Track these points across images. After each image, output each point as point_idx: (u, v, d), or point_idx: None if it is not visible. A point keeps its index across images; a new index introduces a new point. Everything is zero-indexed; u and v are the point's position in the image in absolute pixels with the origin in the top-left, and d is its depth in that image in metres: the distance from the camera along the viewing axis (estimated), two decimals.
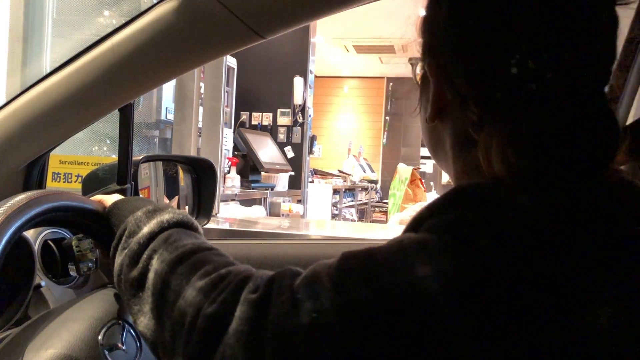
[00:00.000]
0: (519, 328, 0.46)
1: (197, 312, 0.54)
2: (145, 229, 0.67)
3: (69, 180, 1.94)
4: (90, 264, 0.99)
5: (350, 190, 7.14)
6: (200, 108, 2.87)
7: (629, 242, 0.51)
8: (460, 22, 0.58)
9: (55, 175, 1.93)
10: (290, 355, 0.48)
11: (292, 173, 5.02)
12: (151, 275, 0.61)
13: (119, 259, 0.67)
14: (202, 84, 2.90)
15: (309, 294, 0.50)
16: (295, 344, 0.48)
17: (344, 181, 6.95)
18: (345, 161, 8.31)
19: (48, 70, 0.95)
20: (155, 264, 0.62)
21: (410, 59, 0.72)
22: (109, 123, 1.04)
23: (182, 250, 0.62)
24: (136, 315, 0.62)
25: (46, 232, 1.01)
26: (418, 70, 0.67)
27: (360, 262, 0.51)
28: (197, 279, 0.57)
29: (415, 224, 0.54)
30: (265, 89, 5.44)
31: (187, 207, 1.30)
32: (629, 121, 0.96)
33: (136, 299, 0.63)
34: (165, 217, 0.69)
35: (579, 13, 0.54)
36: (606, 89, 0.57)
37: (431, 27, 0.62)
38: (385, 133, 9.95)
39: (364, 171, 8.30)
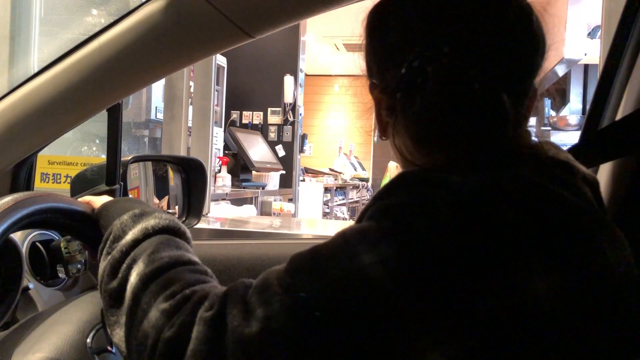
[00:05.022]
0: (460, 301, 0.48)
1: (157, 335, 0.54)
2: (129, 236, 0.67)
3: (58, 180, 1.92)
4: (79, 266, 0.98)
5: (342, 189, 7.13)
6: (190, 107, 2.86)
7: (558, 214, 0.53)
8: (373, 46, 0.67)
9: (44, 176, 1.92)
10: None
11: (283, 172, 5.01)
12: (128, 288, 0.61)
13: (102, 265, 0.67)
14: (191, 83, 2.88)
15: (260, 301, 0.51)
16: (251, 353, 0.49)
17: (335, 179, 6.94)
18: (336, 159, 8.30)
19: (35, 70, 0.94)
20: (132, 276, 0.62)
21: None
22: (99, 123, 1.03)
23: (158, 264, 0.61)
24: (113, 326, 0.62)
25: (34, 234, 1.00)
26: None
27: (307, 260, 0.53)
28: (163, 300, 0.57)
29: (362, 214, 0.55)
30: (255, 88, 5.42)
31: (177, 207, 1.29)
32: (619, 116, 0.96)
33: (114, 309, 0.62)
34: (151, 222, 0.68)
35: (456, 14, 0.60)
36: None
37: (364, 54, 0.70)
38: (376, 131, 9.93)
39: (355, 169, 8.30)
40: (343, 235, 0.53)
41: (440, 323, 0.47)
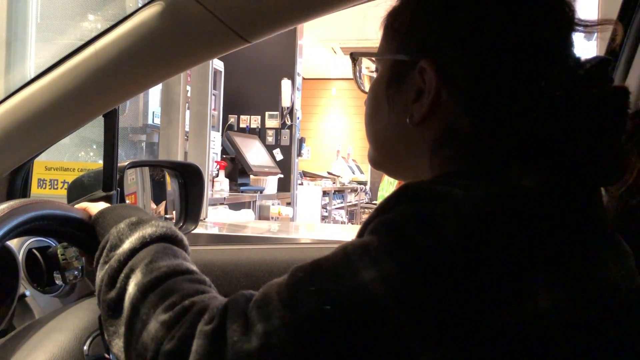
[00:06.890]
0: (462, 319, 0.47)
1: (157, 348, 0.53)
2: (126, 245, 0.66)
3: (55, 186, 1.92)
4: (76, 273, 0.97)
5: (340, 192, 7.14)
6: (188, 112, 2.85)
7: (562, 228, 0.52)
8: (482, 22, 0.58)
9: (41, 182, 1.91)
10: None
11: (281, 175, 5.01)
12: (126, 298, 0.61)
13: (100, 274, 0.66)
14: (188, 88, 2.88)
15: (260, 316, 0.50)
16: None
17: (333, 183, 6.95)
18: (334, 163, 8.31)
19: (32, 76, 0.94)
20: (130, 286, 0.61)
21: (353, 54, 0.73)
22: (96, 128, 1.02)
23: (156, 274, 0.61)
24: (112, 336, 0.62)
25: (31, 241, 1.00)
26: (367, 67, 0.69)
27: (308, 274, 0.52)
28: (162, 311, 0.56)
29: (364, 227, 0.54)
30: (253, 92, 5.43)
31: (174, 213, 1.29)
32: None
33: (112, 320, 0.62)
34: (148, 230, 0.68)
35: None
36: None
37: (426, 23, 0.62)
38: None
39: (353, 172, 8.31)
40: (344, 250, 0.52)
41: (442, 341, 0.47)
